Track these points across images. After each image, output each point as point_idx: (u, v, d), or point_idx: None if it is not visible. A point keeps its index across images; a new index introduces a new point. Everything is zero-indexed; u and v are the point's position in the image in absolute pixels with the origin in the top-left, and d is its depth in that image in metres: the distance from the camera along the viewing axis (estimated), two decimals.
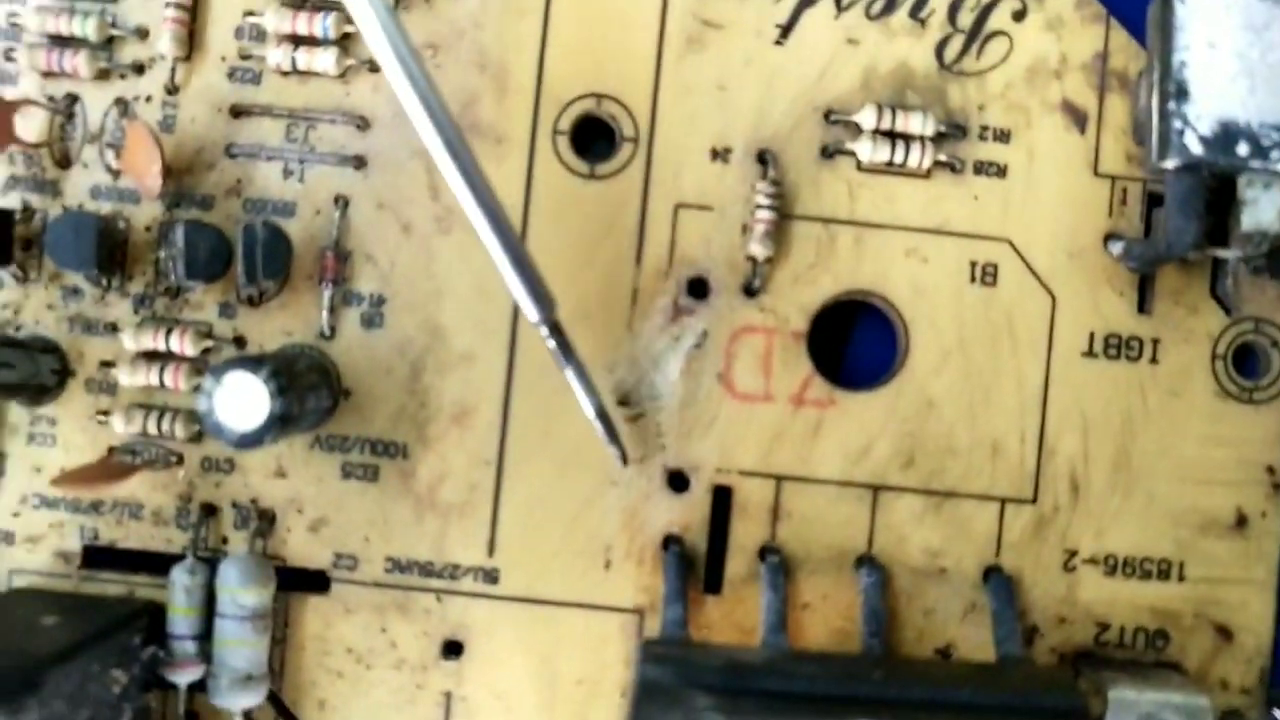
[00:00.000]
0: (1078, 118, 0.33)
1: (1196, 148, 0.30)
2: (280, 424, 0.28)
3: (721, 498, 0.33)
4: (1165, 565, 0.33)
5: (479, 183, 0.28)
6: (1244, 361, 0.33)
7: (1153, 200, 0.33)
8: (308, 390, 0.30)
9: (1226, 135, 0.30)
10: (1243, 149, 0.30)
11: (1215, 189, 0.32)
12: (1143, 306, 0.33)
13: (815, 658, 0.30)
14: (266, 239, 0.31)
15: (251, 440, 0.28)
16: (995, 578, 0.33)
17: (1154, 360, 0.33)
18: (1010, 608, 0.32)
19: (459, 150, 0.28)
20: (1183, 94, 0.30)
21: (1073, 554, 0.33)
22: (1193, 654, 0.33)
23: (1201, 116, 0.30)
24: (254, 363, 0.28)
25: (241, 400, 0.28)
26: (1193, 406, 0.33)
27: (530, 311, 0.29)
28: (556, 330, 0.30)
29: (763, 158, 0.33)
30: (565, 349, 0.30)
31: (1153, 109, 0.31)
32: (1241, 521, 0.33)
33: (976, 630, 0.33)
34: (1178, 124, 0.30)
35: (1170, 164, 0.30)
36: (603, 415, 0.31)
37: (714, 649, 0.30)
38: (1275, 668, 0.33)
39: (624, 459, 0.32)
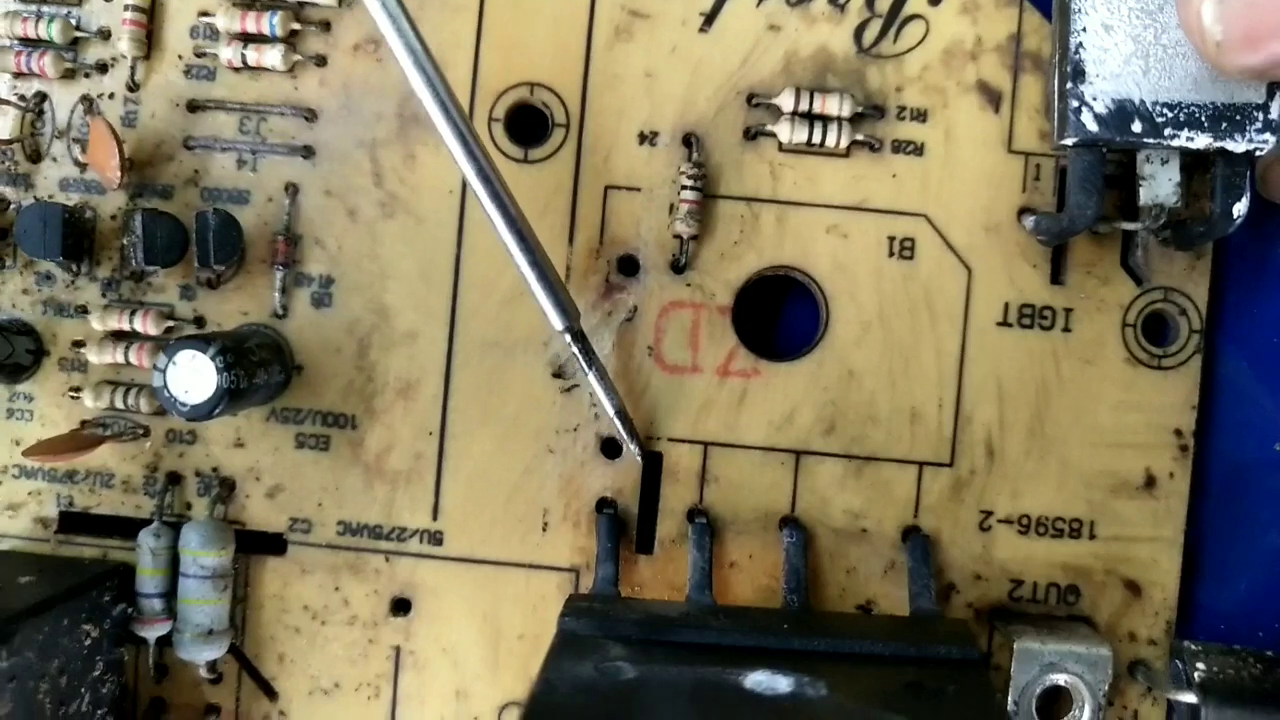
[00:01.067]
0: (992, 97, 0.35)
1: (1093, 125, 0.31)
2: (228, 397, 0.31)
3: (652, 463, 0.35)
4: (1077, 524, 0.35)
5: (508, 204, 0.31)
6: (1154, 330, 0.35)
7: (1064, 176, 0.34)
8: (257, 366, 0.32)
9: (1122, 114, 0.31)
10: (1138, 126, 0.31)
11: (1121, 165, 0.34)
12: (1056, 278, 0.35)
13: (731, 611, 0.32)
14: (218, 225, 0.33)
15: (201, 412, 0.31)
16: (914, 538, 0.34)
17: (1067, 329, 0.35)
18: (926, 566, 0.34)
19: (489, 175, 0.30)
20: (1080, 74, 0.31)
21: (988, 515, 0.35)
22: (1103, 608, 0.35)
23: (1098, 96, 0.31)
24: (203, 341, 0.31)
25: (192, 376, 0.30)
26: (1105, 373, 0.35)
27: (555, 320, 0.32)
28: (580, 337, 0.32)
29: (688, 141, 0.35)
30: (588, 354, 0.32)
31: (1053, 89, 0.32)
32: (1151, 482, 0.35)
33: (896, 588, 0.35)
34: (1075, 103, 0.31)
35: (1069, 141, 0.31)
36: (622, 414, 0.33)
37: (635, 604, 0.32)
38: (1184, 621, 0.35)
39: (642, 454, 0.34)
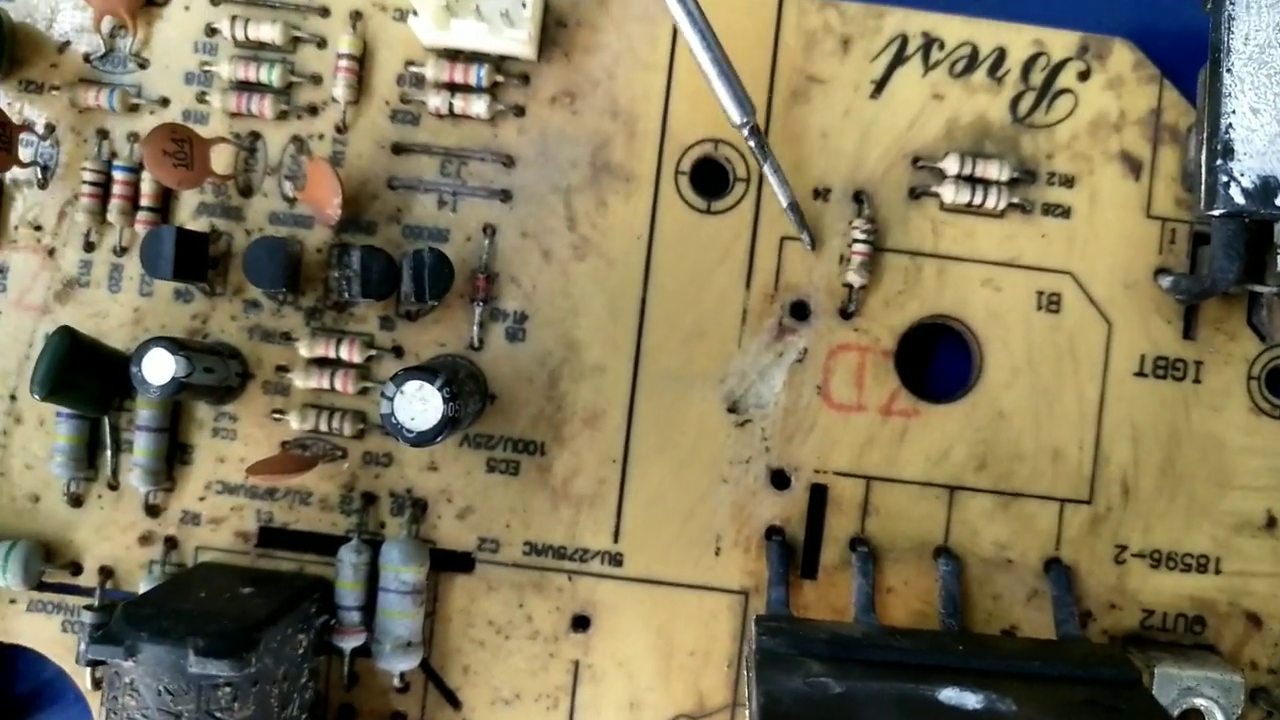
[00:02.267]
0: (1134, 166, 0.38)
1: (1240, 199, 0.34)
2: (451, 425, 0.33)
3: (818, 495, 0.37)
4: (1204, 560, 0.38)
5: (694, 8, 0.32)
6: (1277, 382, 0.38)
7: (1198, 239, 0.38)
8: (468, 396, 0.35)
9: (1266, 188, 0.34)
10: None
11: (1254, 232, 0.37)
12: (1188, 333, 0.38)
13: (905, 633, 0.35)
14: (434, 264, 0.35)
15: (427, 439, 0.33)
16: (1055, 568, 0.37)
17: (1197, 380, 0.38)
18: (1068, 594, 0.37)
19: None
20: (1229, 152, 0.34)
21: (1123, 549, 0.38)
22: (1226, 638, 0.38)
23: (1245, 172, 0.34)
24: (430, 372, 0.33)
25: (418, 404, 0.33)
26: (1230, 421, 0.38)
27: (734, 114, 0.33)
28: (756, 131, 0.34)
29: (858, 197, 0.37)
30: (763, 147, 0.34)
31: (1201, 163, 0.35)
32: (1272, 523, 0.38)
33: (1038, 614, 0.37)
34: (1224, 178, 0.34)
35: (1217, 212, 0.35)
36: (794, 207, 0.35)
37: (818, 624, 0.35)
38: None
39: (812, 244, 0.36)
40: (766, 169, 0.35)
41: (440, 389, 0.33)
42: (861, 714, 0.29)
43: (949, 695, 0.31)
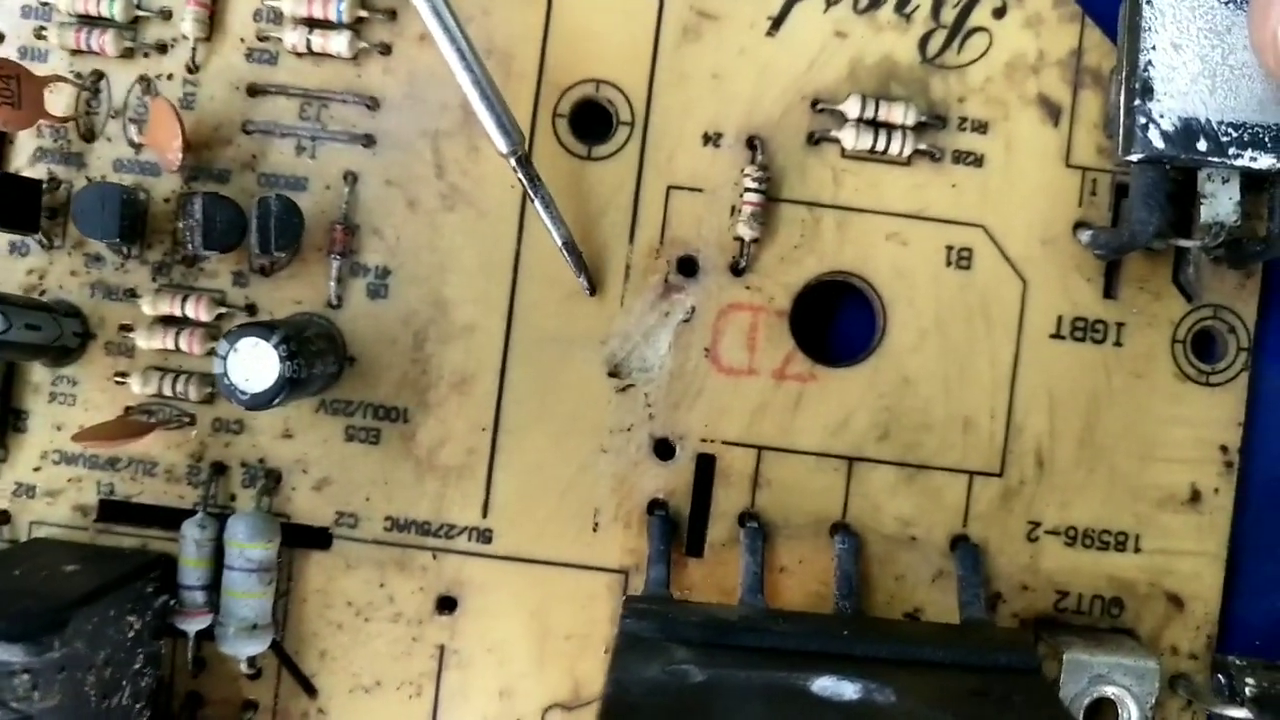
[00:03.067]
0: (1052, 111, 0.35)
1: (1159, 143, 0.31)
2: (289, 387, 0.30)
3: (705, 466, 0.35)
4: (1123, 537, 0.35)
5: (451, 23, 0.30)
6: (1203, 346, 0.35)
7: (1121, 191, 0.35)
8: (315, 356, 0.32)
9: (1188, 132, 0.31)
10: (1202, 145, 0.31)
11: (1178, 182, 0.34)
12: (1109, 292, 0.35)
13: (788, 616, 0.32)
14: (280, 212, 0.32)
15: (262, 401, 0.30)
16: (963, 546, 0.34)
17: (1118, 343, 0.35)
18: (976, 574, 0.34)
19: None
20: (1148, 92, 0.31)
21: (1036, 525, 0.35)
22: (1146, 621, 0.35)
23: (1165, 114, 0.31)
24: (266, 328, 0.30)
25: (254, 364, 0.30)
26: (1154, 387, 0.35)
27: (499, 143, 0.31)
28: (524, 162, 0.32)
29: (752, 143, 0.35)
30: (534, 180, 0.32)
31: (1120, 105, 0.32)
32: (1196, 497, 0.35)
33: (944, 595, 0.35)
34: (1142, 120, 0.31)
35: (1134, 157, 0.32)
36: (570, 246, 0.33)
37: (693, 606, 0.32)
38: (1222, 635, 0.35)
39: (591, 289, 0.34)
40: (536, 205, 0.32)
41: (277, 346, 0.30)
42: (719, 705, 0.27)
43: (823, 685, 0.28)
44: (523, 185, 0.32)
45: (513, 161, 0.31)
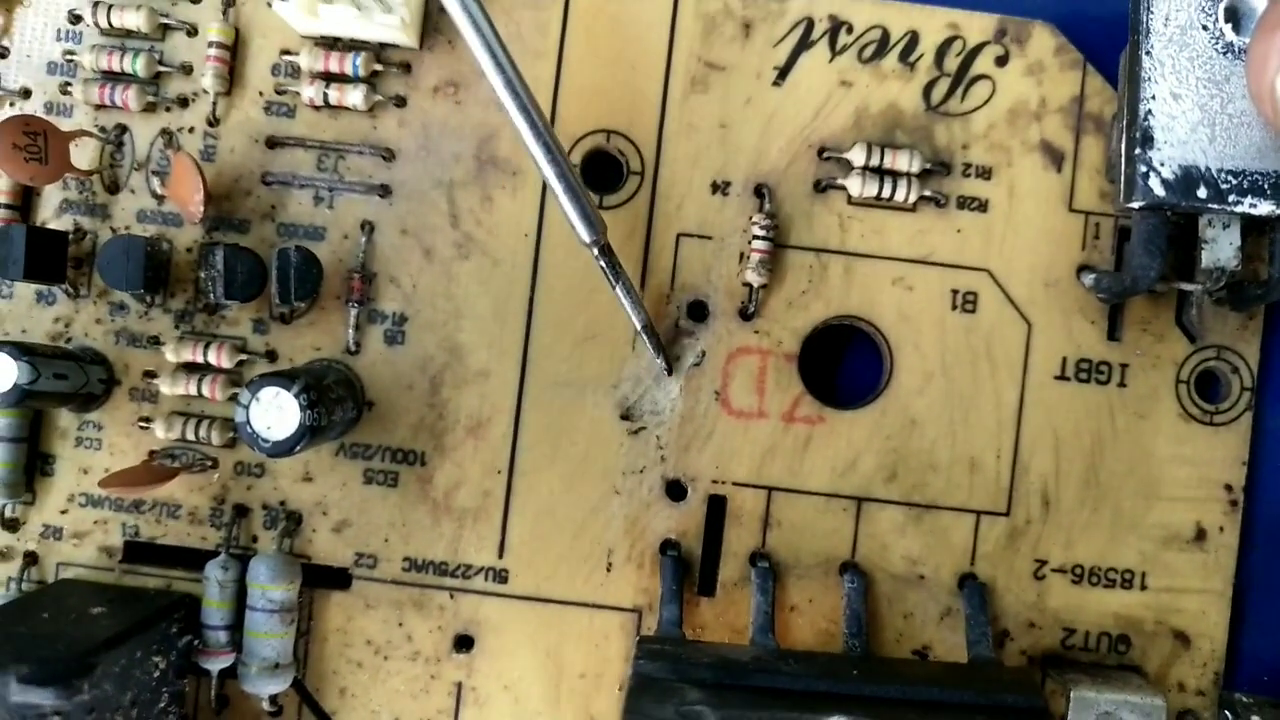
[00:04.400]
0: (1055, 157, 0.36)
1: (1160, 190, 0.32)
2: (310, 434, 0.31)
3: (716, 507, 0.35)
4: (1129, 575, 0.35)
5: (537, 119, 0.31)
6: (1206, 386, 0.36)
7: (1123, 235, 0.35)
8: (335, 403, 0.33)
9: (1188, 179, 0.32)
10: (1202, 192, 0.32)
11: (1180, 226, 0.34)
12: (1112, 334, 0.36)
13: (799, 656, 0.32)
14: (300, 263, 0.33)
15: (283, 449, 0.31)
16: (970, 585, 0.35)
17: (1122, 384, 0.35)
18: (983, 613, 0.34)
19: (518, 89, 0.31)
20: (1148, 140, 0.32)
21: (1043, 563, 0.35)
22: (1153, 658, 0.35)
23: (1165, 162, 0.32)
24: (287, 378, 0.31)
25: (275, 412, 0.31)
26: (1158, 428, 0.35)
27: (583, 233, 0.32)
28: (606, 251, 0.32)
29: (760, 191, 0.35)
30: (614, 268, 0.32)
31: (1121, 152, 0.33)
32: (1201, 535, 0.35)
33: (952, 633, 0.35)
34: (1143, 168, 0.32)
35: (1136, 205, 0.32)
36: (649, 329, 0.33)
37: (705, 646, 0.33)
38: (1229, 672, 0.36)
39: (669, 369, 0.34)
40: (618, 291, 0.33)
41: (297, 395, 0.31)
42: None
43: None
44: (604, 273, 0.33)
45: (595, 251, 0.32)
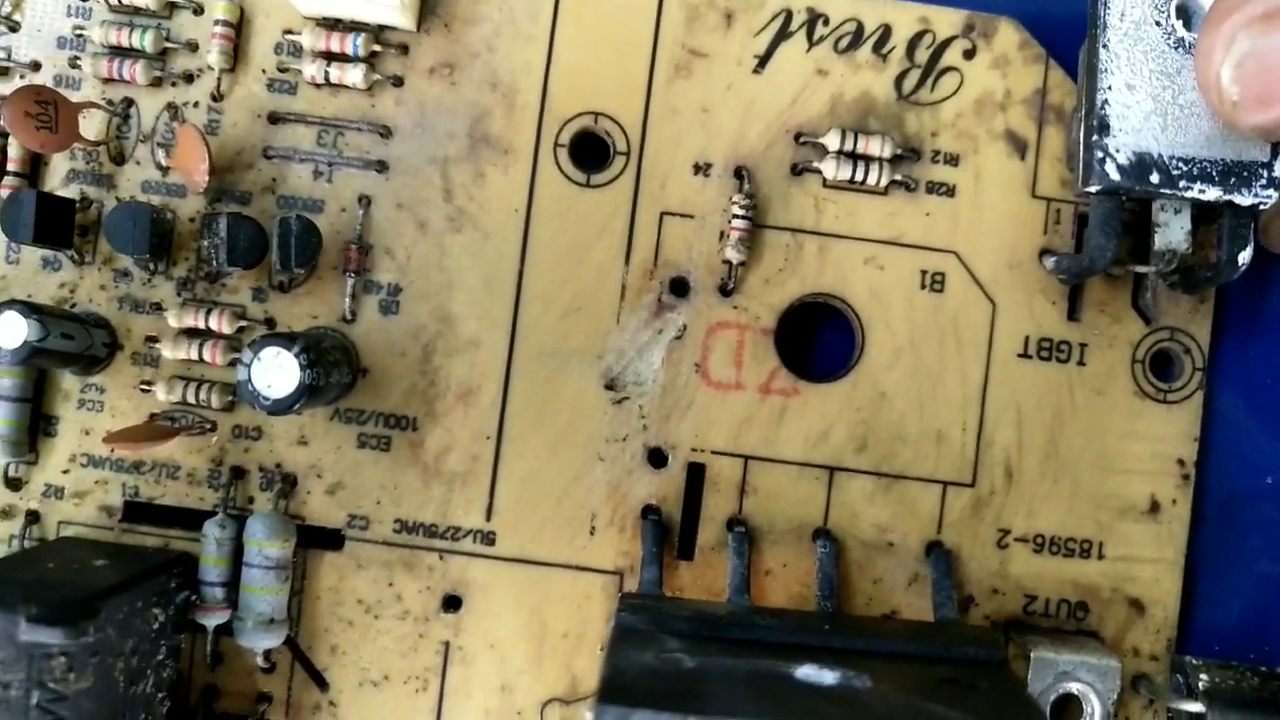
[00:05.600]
0: (1019, 146, 0.37)
1: (1115, 175, 0.34)
2: (308, 393, 0.32)
3: (695, 474, 0.37)
4: (1087, 545, 0.37)
5: None
6: (1160, 366, 0.38)
7: (1082, 220, 0.37)
8: (332, 366, 0.34)
9: (1141, 166, 0.34)
10: (1155, 178, 0.34)
11: (1135, 213, 0.37)
12: (1072, 314, 0.37)
13: (773, 612, 0.34)
14: (300, 231, 0.34)
15: (283, 407, 0.32)
16: (936, 552, 0.37)
17: (1081, 363, 0.37)
18: (948, 578, 0.36)
19: None
20: (1105, 128, 0.34)
21: (1006, 533, 0.37)
22: (1109, 624, 0.37)
23: (1120, 149, 0.34)
24: (287, 339, 0.32)
25: (275, 372, 0.32)
26: (1114, 404, 0.37)
27: None
28: None
29: (739, 173, 0.37)
30: None
31: (1079, 140, 0.35)
32: (1155, 508, 0.37)
33: (919, 598, 0.37)
34: (1099, 154, 0.34)
35: (1093, 189, 0.34)
36: None
37: (683, 602, 0.34)
38: (1180, 638, 0.38)
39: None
40: None
41: (298, 355, 0.32)
42: (708, 688, 0.29)
43: (805, 672, 0.30)
44: None
45: None
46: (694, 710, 0.27)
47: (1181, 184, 0.34)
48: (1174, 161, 0.34)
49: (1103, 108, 0.34)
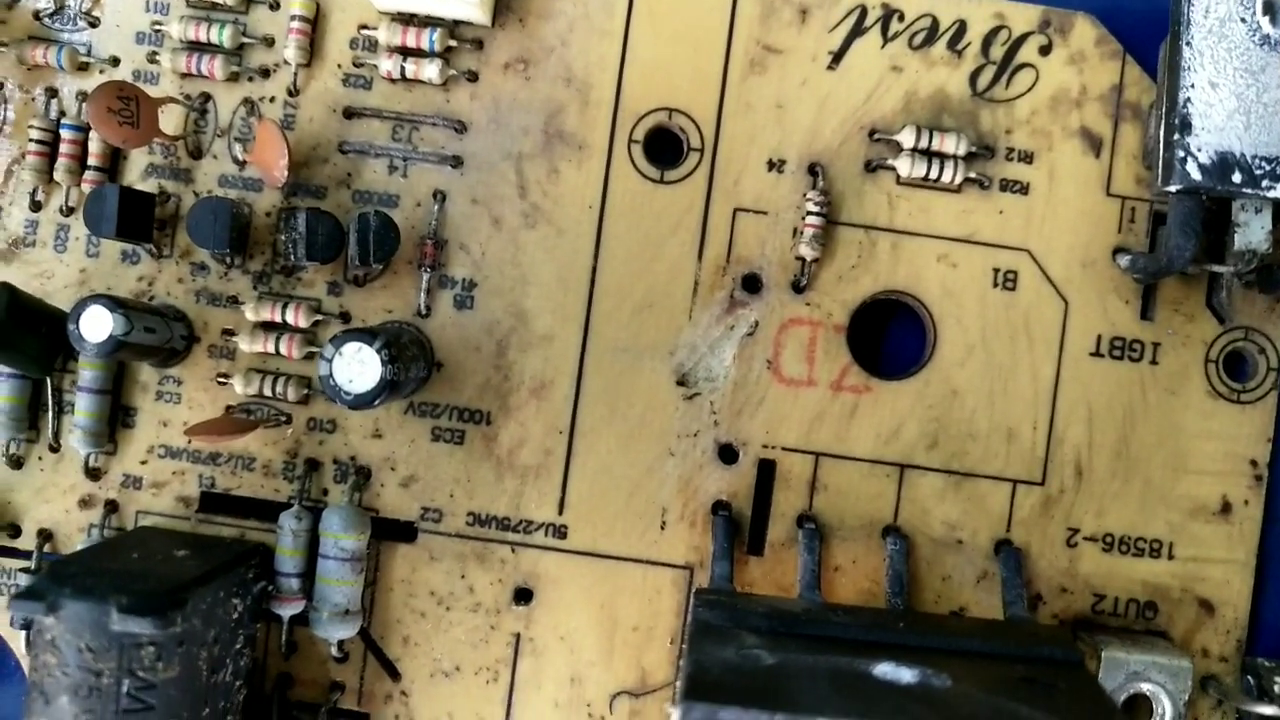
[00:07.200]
0: (1094, 143, 0.37)
1: (1197, 174, 0.34)
2: (389, 388, 0.32)
3: (766, 470, 0.37)
4: (1157, 545, 0.37)
5: None
6: (1234, 366, 0.38)
7: (1157, 219, 0.37)
8: (410, 361, 0.34)
9: (1223, 165, 0.34)
10: (1237, 177, 0.34)
11: (1212, 211, 0.36)
12: (1145, 313, 0.37)
13: (847, 609, 0.34)
14: (379, 227, 0.35)
15: (364, 401, 0.32)
16: (1006, 550, 0.37)
17: (1154, 362, 0.37)
18: (1018, 576, 0.36)
19: None
20: (1186, 127, 0.34)
21: (1075, 531, 0.37)
22: (1178, 624, 0.37)
23: (1202, 147, 0.34)
24: (369, 334, 0.32)
25: (356, 367, 0.32)
26: (1187, 404, 0.37)
27: None
28: None
29: (813, 169, 0.37)
30: None
31: (1159, 139, 0.35)
32: (1226, 508, 0.37)
33: (988, 595, 0.37)
34: (1181, 153, 0.34)
35: (1173, 188, 0.34)
36: None
37: (758, 598, 0.34)
38: (1251, 639, 0.37)
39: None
40: None
41: (379, 351, 0.32)
42: (791, 685, 0.29)
43: (884, 670, 0.30)
44: None
45: None
46: (781, 708, 0.27)
47: (1264, 183, 0.34)
48: (1257, 161, 0.34)
49: (1185, 106, 0.34)
